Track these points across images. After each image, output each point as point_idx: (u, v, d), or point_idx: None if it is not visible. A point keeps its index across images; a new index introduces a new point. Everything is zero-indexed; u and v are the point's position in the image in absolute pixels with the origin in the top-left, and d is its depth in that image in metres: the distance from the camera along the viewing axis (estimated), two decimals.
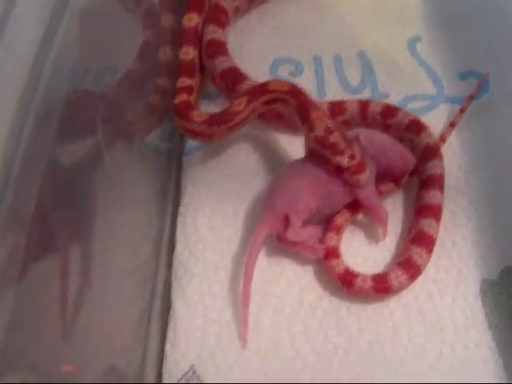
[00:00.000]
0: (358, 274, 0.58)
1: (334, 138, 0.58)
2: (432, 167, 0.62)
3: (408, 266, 0.58)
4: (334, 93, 0.70)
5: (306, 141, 0.60)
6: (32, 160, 0.52)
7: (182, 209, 0.64)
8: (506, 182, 0.65)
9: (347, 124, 0.66)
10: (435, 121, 0.69)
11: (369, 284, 0.57)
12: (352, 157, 0.58)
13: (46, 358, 0.51)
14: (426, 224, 0.60)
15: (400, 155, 0.62)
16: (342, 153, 0.58)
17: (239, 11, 0.76)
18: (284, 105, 0.61)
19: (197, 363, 0.56)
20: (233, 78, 0.67)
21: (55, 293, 0.52)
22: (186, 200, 0.64)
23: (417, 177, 0.64)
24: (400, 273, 0.58)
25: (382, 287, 0.57)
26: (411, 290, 0.59)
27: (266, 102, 0.61)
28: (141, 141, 0.65)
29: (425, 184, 0.62)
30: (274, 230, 0.58)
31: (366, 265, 0.61)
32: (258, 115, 0.63)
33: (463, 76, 0.72)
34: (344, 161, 0.57)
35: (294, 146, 0.65)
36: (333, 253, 0.59)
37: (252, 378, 0.55)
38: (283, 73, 0.72)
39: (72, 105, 0.58)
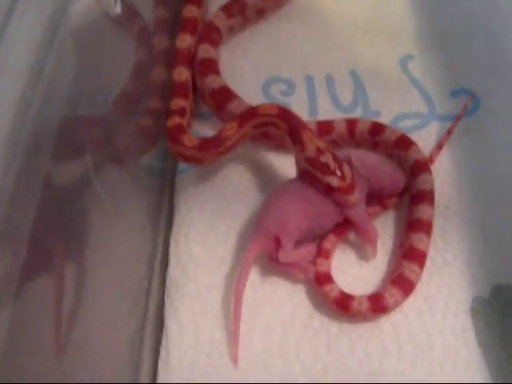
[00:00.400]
0: (354, 296, 0.58)
1: (325, 158, 0.59)
2: (421, 182, 0.63)
3: (401, 282, 0.59)
4: (325, 112, 0.71)
5: (297, 161, 0.61)
6: (27, 181, 0.53)
7: (174, 228, 0.64)
8: (496, 201, 0.65)
9: (335, 143, 0.67)
10: (427, 139, 0.69)
11: (365, 305, 0.57)
12: (342, 177, 0.58)
13: (39, 376, 0.52)
14: (417, 239, 0.60)
15: (390, 176, 0.63)
16: (332, 173, 0.58)
17: (233, 30, 0.77)
18: (274, 128, 0.62)
19: (188, 382, 0.56)
20: (222, 96, 0.67)
21: (49, 312, 0.53)
22: (178, 219, 0.65)
23: (407, 192, 0.64)
24: (394, 290, 0.58)
25: (378, 307, 0.58)
26: (401, 308, 0.59)
27: (256, 126, 0.62)
28: (135, 162, 0.66)
29: (415, 199, 0.63)
30: (264, 250, 0.59)
31: (357, 284, 0.61)
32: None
33: (455, 94, 0.72)
34: (334, 181, 0.58)
35: (284, 166, 0.66)
36: (326, 278, 0.59)
37: None
38: (275, 92, 0.72)
39: (66, 130, 0.59)
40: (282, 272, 0.61)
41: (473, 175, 0.67)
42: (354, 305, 0.57)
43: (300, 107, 0.71)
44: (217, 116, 0.69)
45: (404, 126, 0.70)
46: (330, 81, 0.73)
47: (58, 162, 0.58)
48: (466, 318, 0.59)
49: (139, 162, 0.67)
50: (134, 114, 0.65)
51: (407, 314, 0.59)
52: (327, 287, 0.59)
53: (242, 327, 0.58)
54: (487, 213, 0.64)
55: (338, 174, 0.58)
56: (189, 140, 0.62)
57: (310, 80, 0.73)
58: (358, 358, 0.57)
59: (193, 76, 0.71)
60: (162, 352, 0.58)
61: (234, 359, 0.56)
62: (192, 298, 0.60)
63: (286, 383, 0.55)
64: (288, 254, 0.58)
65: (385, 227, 0.64)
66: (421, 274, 0.59)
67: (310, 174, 0.59)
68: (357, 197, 0.59)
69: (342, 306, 0.58)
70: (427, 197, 0.62)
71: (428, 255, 0.61)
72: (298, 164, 0.61)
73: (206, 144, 0.62)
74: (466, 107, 0.69)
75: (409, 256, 0.60)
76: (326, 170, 0.58)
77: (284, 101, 0.71)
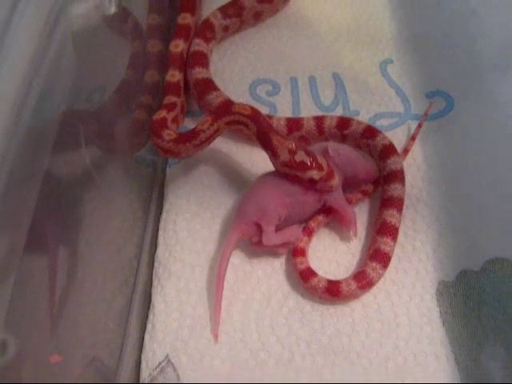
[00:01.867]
0: (340, 281, 0.63)
1: (299, 156, 0.63)
2: (391, 163, 0.68)
3: (378, 256, 0.63)
4: (308, 111, 0.76)
5: (274, 166, 0.65)
6: (26, 172, 0.58)
7: (163, 215, 0.70)
8: (464, 194, 0.69)
9: (305, 139, 0.72)
10: (402, 136, 0.74)
11: (353, 285, 0.62)
12: (320, 168, 0.63)
13: (35, 350, 0.56)
14: (389, 214, 0.65)
15: (363, 164, 0.68)
16: (310, 168, 0.63)
17: (228, 30, 0.82)
18: (245, 128, 0.66)
19: (171, 353, 0.61)
20: (204, 87, 0.73)
21: (44, 290, 0.58)
22: (167, 207, 0.70)
23: (380, 173, 0.69)
24: (374, 264, 0.63)
25: (364, 283, 0.62)
26: (371, 291, 0.64)
27: (229, 123, 0.66)
28: (131, 154, 0.71)
29: (386, 179, 0.68)
30: (245, 235, 0.64)
31: (331, 267, 0.66)
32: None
33: (430, 95, 0.77)
34: (315, 174, 0.63)
35: (266, 159, 0.71)
36: (300, 252, 0.64)
37: (221, 366, 0.60)
38: (261, 92, 0.78)
39: (65, 122, 0.64)
40: (261, 254, 0.66)
41: (443, 170, 0.71)
42: (343, 288, 0.62)
43: (284, 106, 0.76)
44: (199, 107, 0.74)
45: (381, 124, 0.75)
46: (312, 82, 0.79)
47: (56, 153, 0.63)
48: (432, 300, 0.63)
49: (134, 156, 0.72)
50: (130, 107, 0.70)
51: (376, 295, 0.64)
52: (298, 259, 0.63)
53: (223, 304, 0.63)
54: (455, 204, 0.69)
55: (316, 166, 0.63)
56: (167, 134, 0.66)
57: (294, 81, 0.79)
58: (328, 333, 0.62)
59: (185, 78, 0.76)
60: (149, 326, 0.63)
61: (215, 335, 0.61)
62: (178, 277, 0.65)
63: None
64: (271, 237, 0.63)
65: (359, 216, 0.68)
66: (394, 246, 0.64)
67: (292, 176, 0.64)
68: (337, 179, 0.63)
69: (332, 293, 0.62)
70: (397, 176, 0.67)
71: (398, 242, 0.66)
72: (276, 169, 0.65)
73: (182, 138, 0.66)
74: (431, 105, 0.75)
75: (382, 231, 0.65)
76: (303, 167, 0.63)
77: (269, 100, 0.77)
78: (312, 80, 0.79)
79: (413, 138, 0.73)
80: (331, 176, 0.63)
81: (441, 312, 0.63)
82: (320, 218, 0.66)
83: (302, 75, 0.79)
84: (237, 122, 0.65)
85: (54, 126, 0.62)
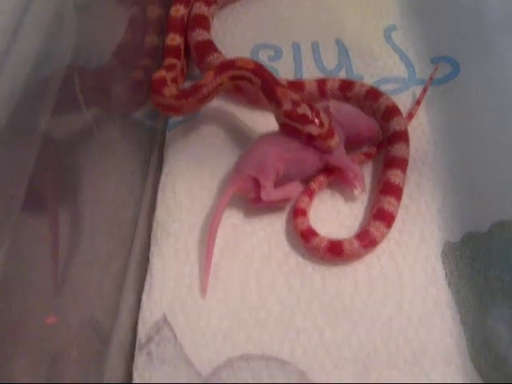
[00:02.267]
0: (342, 240, 0.61)
1: (302, 109, 0.62)
2: (395, 124, 0.66)
3: (382, 215, 0.62)
4: (310, 76, 0.75)
5: (276, 117, 0.64)
6: (25, 131, 0.57)
7: (162, 176, 0.68)
8: (471, 157, 0.68)
9: None
10: (407, 101, 0.73)
11: (356, 244, 0.60)
12: (321, 124, 0.62)
13: (34, 310, 0.55)
14: (393, 174, 0.64)
15: (366, 123, 0.67)
16: (311, 122, 0.62)
17: None
18: (249, 83, 0.65)
19: (168, 313, 0.59)
20: (204, 49, 0.72)
21: (42, 250, 0.57)
22: (166, 169, 0.69)
23: (383, 135, 0.68)
24: (378, 223, 0.61)
25: (368, 242, 0.61)
26: (374, 251, 0.62)
27: (232, 78, 0.65)
28: (130, 115, 0.70)
29: (390, 140, 0.66)
30: (242, 191, 0.63)
31: (333, 228, 0.64)
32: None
33: (435, 61, 0.76)
34: (314, 129, 0.62)
35: (268, 121, 0.69)
36: (301, 212, 0.63)
37: (219, 325, 0.58)
38: (263, 57, 0.77)
39: (67, 81, 0.63)
40: (262, 215, 0.64)
41: (449, 133, 0.70)
42: (346, 247, 0.60)
43: (286, 72, 0.75)
44: (200, 69, 0.73)
45: (385, 89, 0.73)
46: (315, 48, 0.77)
47: (55, 114, 0.62)
48: (437, 261, 0.62)
49: (133, 118, 0.71)
50: (129, 70, 0.69)
51: (380, 256, 0.62)
52: (299, 219, 0.62)
53: (223, 264, 0.62)
54: (460, 167, 0.67)
55: (317, 122, 0.62)
56: (168, 90, 0.65)
57: (296, 47, 0.78)
58: (330, 293, 0.60)
59: (185, 42, 0.75)
60: (146, 286, 0.62)
61: (204, 288, 0.60)
62: (176, 237, 0.64)
63: None
64: (269, 191, 0.61)
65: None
66: (398, 205, 0.63)
67: (291, 127, 0.62)
68: (337, 140, 0.62)
69: (335, 253, 0.60)
70: (401, 136, 0.66)
71: (402, 205, 0.64)
72: (277, 119, 0.64)
73: (183, 92, 0.65)
74: (436, 69, 0.74)
75: (386, 191, 0.63)
76: (304, 120, 0.62)
77: (271, 65, 0.75)
78: (315, 46, 0.78)
79: (418, 103, 0.71)
80: (331, 135, 0.62)
81: (446, 273, 0.61)
82: (321, 178, 0.65)
83: (304, 41, 0.78)
84: (240, 76, 0.64)
85: (53, 87, 0.62)
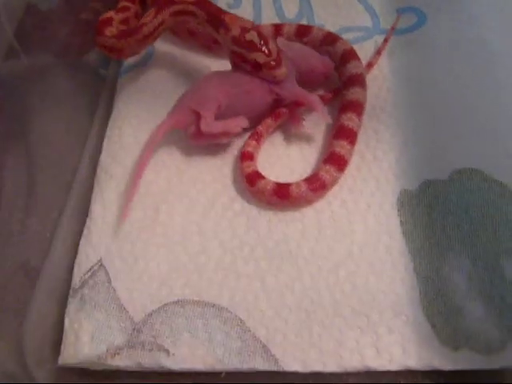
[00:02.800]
0: (290, 183, 0.58)
1: (250, 36, 0.59)
2: (351, 67, 0.64)
3: (333, 158, 0.59)
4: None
5: (225, 46, 0.61)
6: None
7: (110, 122, 0.66)
8: (432, 106, 0.65)
9: None
10: (369, 50, 0.70)
11: (304, 187, 0.57)
12: (268, 53, 0.59)
13: None
14: (347, 118, 0.61)
15: (320, 60, 0.64)
16: (258, 50, 0.59)
17: None
18: (193, 17, 0.62)
19: (105, 257, 0.57)
20: None
21: None
22: (115, 114, 0.66)
23: (339, 80, 0.65)
24: (328, 167, 0.58)
25: (317, 186, 0.58)
26: (325, 198, 0.59)
27: (174, 14, 0.62)
28: (80, 61, 0.68)
29: (346, 84, 0.63)
30: (182, 125, 0.60)
31: (284, 173, 0.61)
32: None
33: (401, 11, 0.73)
34: (261, 57, 0.59)
35: (221, 67, 0.66)
36: (248, 156, 0.60)
37: (157, 269, 0.55)
38: (222, 4, 0.73)
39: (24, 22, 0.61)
40: (209, 159, 0.62)
41: (410, 82, 0.67)
42: (293, 190, 0.57)
43: None
44: (151, 5, 0.70)
45: (346, 38, 0.70)
46: None
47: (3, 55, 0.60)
48: (392, 209, 0.58)
49: (85, 64, 0.69)
50: (80, 10, 0.67)
51: (331, 202, 0.59)
52: (245, 163, 0.59)
53: (165, 208, 0.59)
54: (421, 116, 0.64)
55: (264, 50, 0.59)
56: (109, 31, 0.63)
57: None
58: (275, 237, 0.57)
59: None
60: (85, 231, 0.59)
61: (123, 214, 0.57)
62: (118, 181, 0.61)
63: None
64: (209, 123, 0.58)
65: (315, 123, 0.64)
66: (351, 150, 0.60)
67: (238, 55, 0.60)
68: (284, 71, 0.59)
69: (281, 195, 0.57)
70: (358, 80, 0.63)
71: (358, 151, 0.61)
72: (226, 48, 0.61)
73: (124, 32, 0.63)
74: (398, 18, 0.71)
75: (338, 135, 0.60)
76: (251, 47, 0.59)
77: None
78: None
79: (378, 53, 0.68)
80: (278, 65, 0.59)
81: (401, 221, 0.58)
82: (269, 121, 0.62)
83: None
84: (182, 12, 0.62)
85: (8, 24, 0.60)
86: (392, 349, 0.51)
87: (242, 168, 0.59)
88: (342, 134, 0.60)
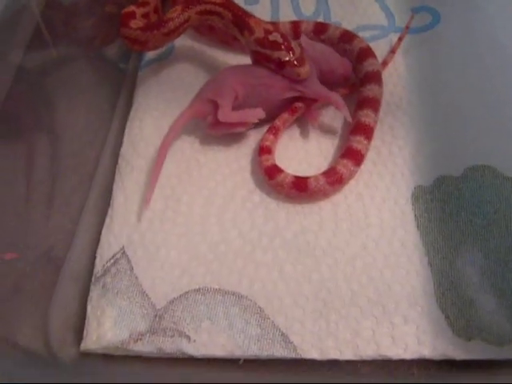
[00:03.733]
0: (308, 176, 0.59)
1: (273, 37, 0.61)
2: (368, 65, 0.65)
3: (350, 153, 0.60)
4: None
5: (248, 47, 0.63)
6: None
7: (131, 113, 0.67)
8: (447, 103, 0.66)
9: None
10: (384, 48, 0.72)
11: (322, 181, 0.58)
12: (292, 52, 0.61)
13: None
14: (364, 114, 0.62)
15: (340, 61, 0.65)
16: (281, 48, 0.61)
17: None
18: (219, 18, 0.64)
19: (127, 245, 0.58)
20: None
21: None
22: (135, 106, 0.68)
23: (356, 77, 0.66)
24: (345, 161, 0.60)
25: (334, 179, 0.59)
26: (341, 191, 0.60)
27: (201, 12, 0.64)
28: (99, 54, 0.69)
29: (363, 81, 0.65)
30: (201, 114, 0.62)
31: (301, 167, 0.63)
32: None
33: (416, 10, 0.74)
34: (284, 55, 0.60)
35: (240, 62, 0.68)
36: (266, 150, 0.61)
37: (177, 258, 0.57)
38: (240, 1, 0.74)
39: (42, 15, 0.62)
40: (228, 152, 0.63)
41: (425, 80, 0.68)
42: (312, 183, 0.58)
43: (262, 16, 0.72)
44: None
45: (362, 35, 0.71)
46: None
47: (29, 47, 0.62)
48: (407, 204, 0.60)
49: (106, 59, 0.70)
50: (102, 5, 0.68)
51: (347, 196, 0.60)
52: (264, 157, 0.60)
53: (185, 199, 0.60)
54: (436, 113, 0.66)
55: (287, 49, 0.60)
56: (135, 23, 0.64)
57: None
58: (293, 229, 0.58)
59: None
60: (107, 220, 0.60)
61: (147, 200, 0.59)
62: (140, 171, 0.62)
63: None
64: (226, 112, 0.60)
65: (333, 118, 0.65)
66: (368, 145, 0.61)
67: (261, 55, 0.61)
68: (307, 69, 0.60)
69: (300, 188, 0.58)
70: (374, 77, 0.64)
71: (374, 147, 0.63)
72: (249, 49, 0.63)
73: (150, 25, 0.64)
74: (412, 18, 0.72)
75: (355, 130, 0.61)
76: (275, 46, 0.61)
77: (248, 9, 0.73)
78: None
79: (393, 51, 0.70)
80: (301, 63, 0.61)
81: (416, 215, 0.59)
82: (286, 115, 0.63)
83: None
84: (209, 11, 0.63)
85: (27, 20, 0.61)
86: (407, 338, 0.52)
87: (260, 162, 0.60)
88: (359, 129, 0.61)
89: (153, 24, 0.64)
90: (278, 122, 0.62)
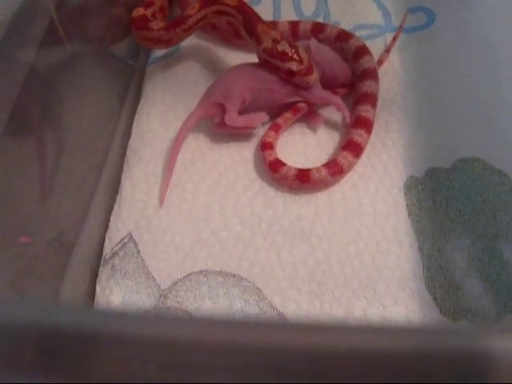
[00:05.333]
0: (310, 168, 0.62)
1: (282, 46, 0.64)
2: (364, 62, 0.68)
3: (350, 145, 0.63)
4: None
5: (257, 54, 0.66)
6: (12, 61, 0.60)
7: (139, 107, 0.71)
8: (439, 99, 0.69)
9: None
10: (380, 47, 0.74)
11: (324, 172, 0.62)
12: (300, 61, 0.63)
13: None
14: (363, 109, 0.65)
15: (342, 68, 0.68)
16: (291, 59, 0.63)
17: None
18: (232, 19, 0.67)
19: (134, 230, 0.62)
20: None
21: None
22: (143, 100, 0.71)
23: (353, 75, 0.69)
24: (345, 153, 0.63)
25: (335, 170, 0.62)
26: (337, 182, 0.64)
27: (217, 12, 0.67)
28: (110, 52, 0.73)
29: (360, 77, 0.68)
30: (208, 115, 0.65)
31: (299, 160, 0.66)
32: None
33: (412, 10, 0.77)
34: (294, 66, 0.63)
35: (243, 58, 0.71)
36: (269, 146, 0.64)
37: (181, 242, 0.60)
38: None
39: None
40: (230, 144, 0.66)
41: (420, 77, 0.71)
42: (314, 174, 0.62)
43: (264, 16, 0.75)
44: (180, 7, 0.75)
45: (359, 35, 0.74)
46: None
47: (41, 45, 0.65)
48: (399, 193, 0.63)
49: (114, 55, 0.73)
50: (112, 3, 0.72)
51: (342, 186, 0.64)
52: (267, 152, 0.63)
53: (189, 187, 0.64)
54: (429, 108, 0.69)
55: (296, 58, 0.63)
56: (155, 24, 0.68)
57: None
58: (290, 216, 0.61)
59: None
60: (115, 207, 0.64)
61: (161, 199, 0.62)
62: (147, 161, 0.66)
63: None
64: (233, 116, 0.63)
65: (333, 116, 0.69)
66: (368, 138, 0.64)
67: (271, 65, 0.64)
68: (316, 76, 0.64)
69: (303, 180, 0.62)
70: (371, 73, 0.68)
71: (369, 140, 0.66)
72: (259, 57, 0.66)
73: (171, 24, 0.67)
74: (405, 17, 0.75)
75: (356, 124, 0.65)
76: (284, 57, 0.63)
77: None
78: None
79: (387, 51, 0.73)
80: (310, 71, 0.64)
81: (407, 204, 0.62)
82: (287, 115, 0.66)
83: None
84: (224, 12, 0.66)
85: (37, 19, 0.64)
86: (397, 318, 0.55)
87: (264, 157, 0.64)
88: (359, 123, 0.65)
89: (174, 22, 0.67)
90: (280, 120, 0.66)
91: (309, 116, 0.67)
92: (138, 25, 0.68)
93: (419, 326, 0.50)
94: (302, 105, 0.66)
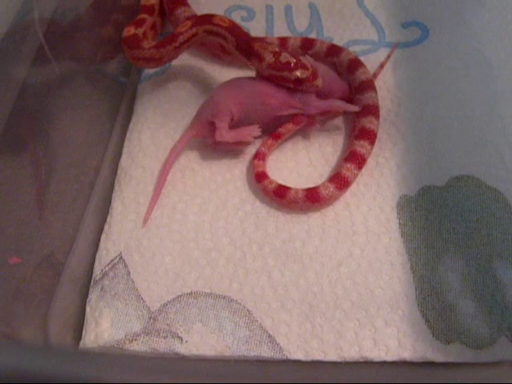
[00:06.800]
0: (290, 187, 0.62)
1: (284, 58, 0.64)
2: (361, 74, 0.68)
3: (337, 179, 0.62)
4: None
5: (259, 71, 0.65)
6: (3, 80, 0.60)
7: (130, 126, 0.70)
8: (433, 116, 0.69)
9: None
10: (374, 62, 0.74)
11: (301, 194, 0.61)
12: (305, 67, 0.64)
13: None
14: (367, 121, 0.65)
15: (340, 85, 0.68)
16: (296, 67, 0.63)
17: None
18: (223, 40, 0.67)
19: (124, 251, 0.61)
20: (173, 2, 0.74)
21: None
22: (134, 119, 0.71)
23: (350, 87, 0.69)
24: (329, 185, 0.62)
25: (312, 197, 0.61)
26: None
27: (208, 32, 0.67)
28: (101, 70, 0.72)
29: (359, 89, 0.68)
30: (200, 135, 0.65)
31: (291, 177, 0.65)
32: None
33: (406, 25, 0.77)
34: (301, 73, 0.63)
35: (230, 73, 0.71)
36: (262, 176, 0.64)
37: (172, 263, 0.60)
38: (236, 17, 0.78)
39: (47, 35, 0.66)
40: (221, 161, 0.66)
41: (413, 94, 0.71)
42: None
43: (257, 32, 0.77)
44: (170, 22, 0.75)
45: (353, 50, 0.74)
46: (288, 10, 0.79)
47: (33, 64, 0.65)
48: (392, 212, 0.62)
49: (106, 73, 0.73)
50: (103, 22, 0.72)
51: (335, 205, 0.63)
52: (265, 182, 0.63)
53: (180, 207, 0.63)
54: (422, 125, 0.68)
55: (301, 66, 0.63)
56: (147, 43, 0.67)
57: (269, 9, 0.79)
58: (282, 236, 0.61)
59: (160, 3, 0.77)
60: (106, 227, 0.63)
61: (145, 218, 0.62)
62: (137, 181, 0.65)
63: None
64: (223, 132, 0.63)
65: (330, 135, 0.69)
66: (371, 150, 0.65)
67: (278, 77, 0.64)
68: (321, 80, 0.64)
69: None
70: (370, 85, 0.68)
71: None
72: (262, 73, 0.65)
73: (162, 42, 0.67)
74: (394, 48, 0.75)
75: (360, 135, 0.65)
76: (289, 67, 0.63)
77: (243, 25, 0.76)
78: (288, 8, 0.79)
79: (381, 66, 0.73)
80: (316, 75, 0.64)
81: (400, 223, 0.62)
82: (290, 126, 0.66)
83: (278, 3, 0.80)
84: (215, 33, 0.66)
85: (29, 38, 0.64)
86: (388, 341, 0.54)
87: (263, 188, 0.63)
88: (364, 134, 0.64)
89: (164, 40, 0.67)
90: (281, 130, 0.66)
91: (307, 125, 0.67)
92: (129, 44, 0.68)
93: None
94: (303, 116, 0.66)
